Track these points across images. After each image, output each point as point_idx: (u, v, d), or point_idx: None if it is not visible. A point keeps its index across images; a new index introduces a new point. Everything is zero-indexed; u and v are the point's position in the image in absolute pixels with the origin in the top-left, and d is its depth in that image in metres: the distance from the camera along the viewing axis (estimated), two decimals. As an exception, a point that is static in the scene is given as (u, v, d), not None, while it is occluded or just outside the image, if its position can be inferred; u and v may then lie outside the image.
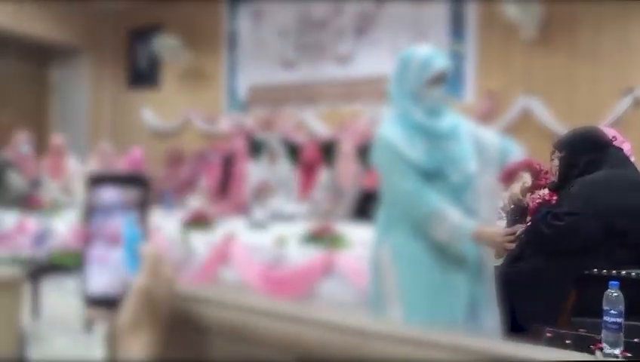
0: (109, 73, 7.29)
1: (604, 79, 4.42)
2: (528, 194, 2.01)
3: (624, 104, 4.30)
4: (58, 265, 2.69)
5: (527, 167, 1.92)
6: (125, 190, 0.69)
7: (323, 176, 5.17)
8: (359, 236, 3.38)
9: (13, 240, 3.92)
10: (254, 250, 3.32)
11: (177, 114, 6.62)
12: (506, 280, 2.07)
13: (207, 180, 5.12)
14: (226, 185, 4.85)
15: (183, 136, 6.55)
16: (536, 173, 1.93)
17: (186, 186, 5.47)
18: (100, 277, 0.68)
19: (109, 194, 0.69)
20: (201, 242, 3.59)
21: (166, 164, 5.96)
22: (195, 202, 4.79)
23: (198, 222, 3.78)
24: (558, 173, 2.17)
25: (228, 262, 3.34)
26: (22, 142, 4.93)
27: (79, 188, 4.86)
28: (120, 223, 0.68)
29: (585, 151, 2.07)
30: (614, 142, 2.17)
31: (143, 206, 0.70)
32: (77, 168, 5.10)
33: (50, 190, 4.72)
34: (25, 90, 7.15)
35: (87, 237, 0.68)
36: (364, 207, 4.87)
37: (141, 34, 7.00)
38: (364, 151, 5.14)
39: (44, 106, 7.38)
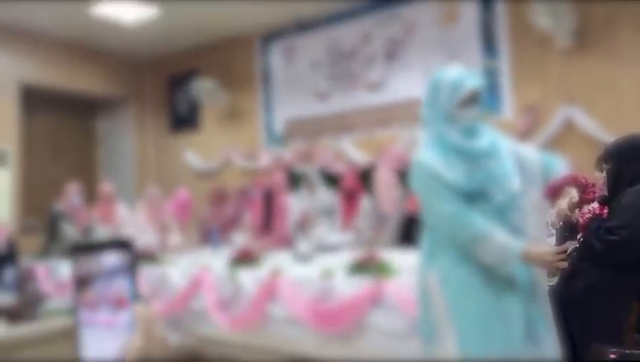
0: (151, 120, 7.58)
1: (648, 81, 4.26)
2: (576, 210, 1.93)
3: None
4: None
5: (573, 181, 1.84)
6: (119, 255, 0.71)
7: (365, 203, 5.15)
8: (406, 263, 3.32)
9: (70, 290, 4.07)
10: (301, 283, 3.31)
11: (218, 153, 6.79)
12: (561, 301, 1.99)
13: (251, 216, 5.19)
14: (268, 219, 4.90)
15: (225, 175, 6.69)
16: (583, 187, 1.84)
17: (231, 223, 5.56)
18: (106, 343, 0.68)
19: (109, 260, 0.70)
20: (249, 279, 3.62)
21: (210, 202, 6.08)
22: (240, 238, 4.86)
23: (245, 258, 3.82)
24: (606, 184, 2.09)
25: (276, 298, 3.34)
26: (73, 194, 5.14)
27: (130, 234, 5.01)
28: (122, 287, 0.70)
29: (632, 160, 1.99)
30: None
31: (133, 268, 0.72)
32: (127, 214, 5.27)
33: (102, 237, 4.89)
34: (74, 143, 7.52)
35: (88, 305, 0.70)
36: (409, 231, 4.80)
37: (180, 80, 7.27)
38: (403, 176, 5.10)
39: (92, 157, 7.73)
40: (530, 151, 1.98)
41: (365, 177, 5.34)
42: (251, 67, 6.64)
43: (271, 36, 6.48)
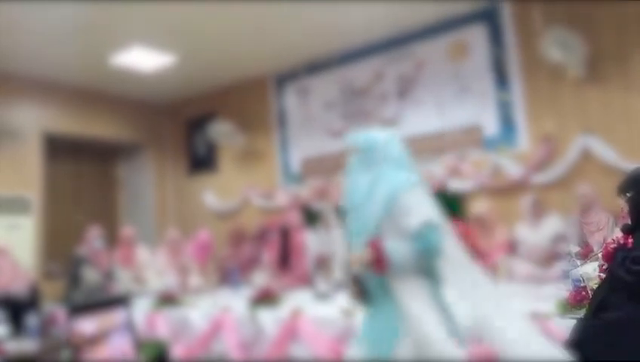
0: (170, 163, 7.71)
1: (664, 108, 4.24)
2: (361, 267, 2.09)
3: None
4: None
5: (372, 247, 2.03)
6: (119, 311, 0.73)
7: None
8: (428, 298, 3.27)
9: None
10: (322, 323, 3.27)
11: (236, 194, 6.85)
12: (592, 333, 1.94)
13: (269, 255, 5.19)
14: (286, 258, 4.89)
15: (244, 215, 6.73)
16: (374, 257, 2.00)
17: (250, 263, 5.55)
18: None
19: (118, 317, 0.72)
20: (270, 319, 3.59)
21: (230, 243, 6.10)
22: (260, 278, 4.84)
23: (265, 298, 3.80)
24: (629, 214, 2.06)
25: (297, 338, 3.30)
26: (94, 238, 5.21)
27: (151, 277, 5.03)
28: (127, 343, 0.72)
29: (653, 188, 1.98)
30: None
31: (131, 325, 0.74)
32: (147, 257, 5.30)
33: (123, 281, 4.92)
34: (95, 188, 7.66)
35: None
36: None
37: (197, 123, 7.43)
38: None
39: (113, 201, 7.85)
40: (418, 212, 1.99)
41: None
42: (267, 108, 6.76)
43: (285, 78, 6.62)
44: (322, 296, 3.88)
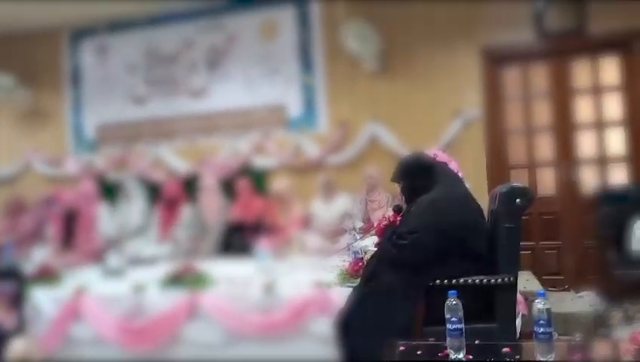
0: None
1: (439, 103, 4.90)
2: None
3: (455, 125, 4.81)
4: None
5: None
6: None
7: (185, 213, 5.02)
8: (224, 272, 3.33)
9: None
10: (109, 301, 3.08)
11: (15, 157, 6.01)
12: (361, 300, 2.18)
13: (53, 229, 4.69)
14: (73, 232, 4.48)
15: (24, 182, 5.94)
16: None
17: (30, 238, 4.94)
18: None
19: None
20: (48, 299, 3.25)
21: (5, 214, 5.35)
22: (40, 255, 4.36)
23: (44, 276, 3.43)
24: (402, 198, 2.38)
25: (80, 318, 3.06)
26: None
27: None
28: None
29: (418, 176, 2.30)
30: (440, 162, 2.44)
31: (17, 298, 0.67)
32: None
33: None
34: None
35: None
36: (230, 241, 4.82)
37: (-34, 72, 6.27)
38: (226, 184, 5.11)
39: None
40: None
41: (188, 186, 5.22)
42: (58, 64, 6.03)
43: (82, 32, 5.97)
44: (112, 273, 3.65)
